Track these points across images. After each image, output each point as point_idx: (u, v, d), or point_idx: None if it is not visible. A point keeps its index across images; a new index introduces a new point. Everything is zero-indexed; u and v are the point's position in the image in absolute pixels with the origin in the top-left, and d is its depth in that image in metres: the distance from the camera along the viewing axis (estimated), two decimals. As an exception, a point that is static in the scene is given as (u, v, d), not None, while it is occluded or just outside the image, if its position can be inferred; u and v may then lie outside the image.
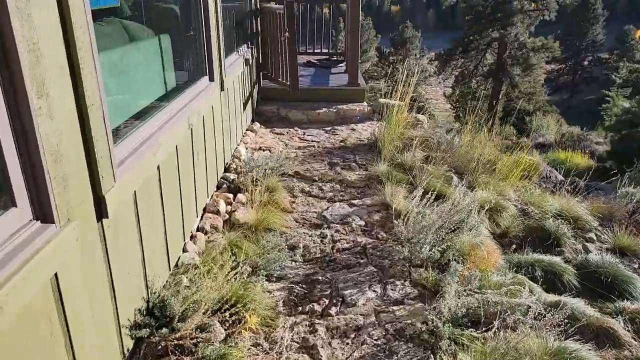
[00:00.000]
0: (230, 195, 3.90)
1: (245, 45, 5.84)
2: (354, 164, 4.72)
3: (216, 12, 3.91)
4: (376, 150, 5.07)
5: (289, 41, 5.30)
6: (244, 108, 5.44)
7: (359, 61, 6.55)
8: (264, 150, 5.19)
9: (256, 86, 6.49)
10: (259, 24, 6.32)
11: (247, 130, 5.72)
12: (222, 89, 4.12)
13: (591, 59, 58.51)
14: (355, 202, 3.90)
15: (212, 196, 3.85)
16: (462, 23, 24.11)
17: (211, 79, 3.81)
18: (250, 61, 5.72)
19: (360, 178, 4.38)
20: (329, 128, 6.03)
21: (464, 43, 23.56)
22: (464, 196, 3.54)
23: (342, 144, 5.41)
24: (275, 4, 6.63)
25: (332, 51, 9.02)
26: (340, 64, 8.54)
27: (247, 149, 5.20)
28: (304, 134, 5.83)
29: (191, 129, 3.12)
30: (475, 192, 4.02)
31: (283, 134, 5.79)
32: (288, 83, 5.62)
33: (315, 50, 9.15)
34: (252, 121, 6.08)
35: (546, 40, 22.78)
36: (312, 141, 5.52)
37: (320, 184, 4.26)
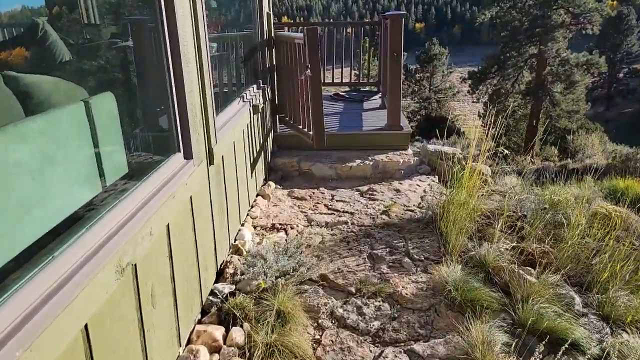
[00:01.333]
0: (219, 333, 2.46)
1: (256, 85, 4.46)
2: (406, 259, 3.21)
3: (198, 49, 2.53)
4: (435, 230, 3.56)
5: (313, 81, 3.90)
6: (252, 171, 4.05)
7: (400, 95, 5.11)
8: (278, 230, 3.76)
9: (271, 133, 5.10)
10: (273, 56, 4.96)
11: (257, 195, 4.31)
12: (210, 162, 2.73)
13: (627, 71, 55.68)
14: (418, 348, 2.38)
15: (191, 334, 2.42)
16: (497, 40, 22.43)
17: (188, 156, 2.41)
18: (262, 106, 4.35)
19: (420, 290, 2.86)
20: (365, 188, 4.57)
21: (500, 60, 21.86)
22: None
23: (384, 217, 3.92)
24: (291, 31, 5.27)
25: (363, 79, 7.61)
26: (374, 97, 7.11)
27: (254, 228, 3.77)
28: (333, 198, 4.37)
29: (133, 268, 1.71)
30: (621, 336, 2.44)
31: (305, 199, 4.36)
32: (311, 134, 4.21)
33: (343, 80, 7.75)
34: (265, 180, 4.67)
35: (591, 56, 20.88)
36: (343, 211, 4.05)
37: (359, 301, 2.78)
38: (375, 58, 9.53)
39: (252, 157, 4.01)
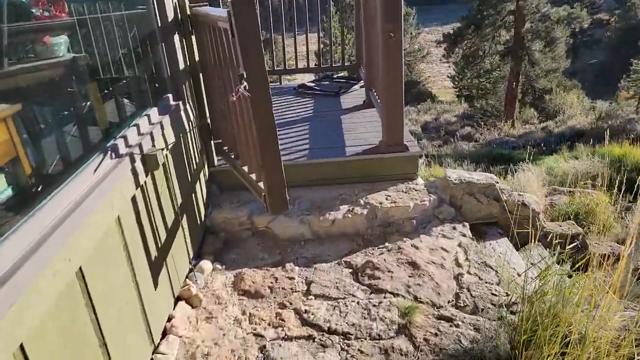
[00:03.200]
0: None
1: (156, 109, 2.50)
2: None
3: None
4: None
5: (258, 106, 1.99)
6: (156, 277, 2.14)
7: (402, 98, 3.20)
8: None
9: (203, 172, 3.17)
10: (193, 49, 2.97)
11: (178, 300, 2.43)
12: None
13: (590, 21, 54.52)
14: None
15: None
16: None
17: None
18: (181, 132, 2.42)
19: None
20: (360, 259, 2.74)
21: (477, 19, 19.93)
22: None
23: (405, 344, 2.12)
24: (213, 6, 3.25)
25: (335, 62, 5.64)
26: (353, 87, 5.18)
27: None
28: (308, 289, 2.54)
29: None
30: None
31: (262, 296, 2.51)
32: (263, 190, 2.33)
33: (308, 65, 5.75)
34: (194, 262, 2.77)
35: (572, 9, 19.15)
36: (328, 330, 2.24)
37: None
38: (351, 31, 7.51)
39: (152, 252, 2.10)
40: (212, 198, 3.26)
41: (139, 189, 1.98)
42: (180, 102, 2.72)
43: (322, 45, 5.77)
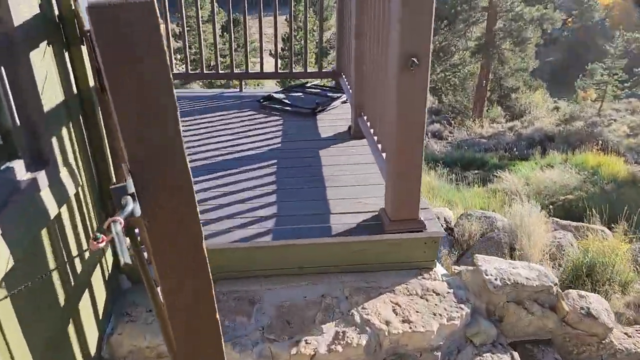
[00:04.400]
0: None
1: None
2: None
3: None
4: None
5: (154, 230, 0.80)
6: None
7: (421, 160, 2.08)
8: None
9: (104, 258, 1.92)
10: (86, 68, 1.71)
11: None
12: None
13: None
14: None
15: None
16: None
17: None
18: (42, 225, 1.19)
19: None
20: None
21: (451, 14, 19.02)
22: None
23: None
24: None
25: (307, 67, 4.37)
26: (335, 102, 4.00)
27: None
28: None
29: None
30: None
31: None
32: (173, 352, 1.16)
33: (276, 69, 4.49)
34: None
35: (545, 10, 18.55)
36: None
37: None
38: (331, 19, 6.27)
39: None
40: (118, 299, 2.02)
41: None
42: (45, 171, 1.46)
43: (292, 40, 4.49)
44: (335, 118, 3.71)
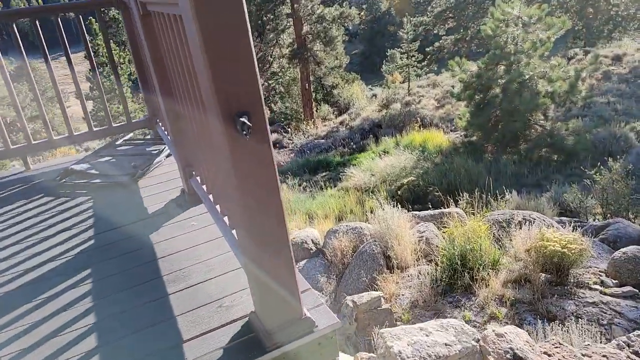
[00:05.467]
0: None
1: None
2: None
3: None
4: None
5: None
6: None
7: None
8: None
9: None
10: None
11: None
12: None
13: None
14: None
15: None
16: (249, 5, 19.42)
17: None
18: None
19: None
20: None
21: (259, 26, 19.05)
22: None
23: None
24: None
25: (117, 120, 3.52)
26: (158, 157, 3.21)
27: None
28: None
29: None
30: None
31: None
32: None
33: (71, 132, 3.52)
34: None
35: (343, 8, 19.80)
36: None
37: None
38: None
39: None
40: None
41: None
42: None
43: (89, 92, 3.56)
44: (162, 181, 2.95)
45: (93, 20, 20.92)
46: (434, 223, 5.18)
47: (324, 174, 12.89)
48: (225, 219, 1.93)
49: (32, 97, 19.53)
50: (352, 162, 13.10)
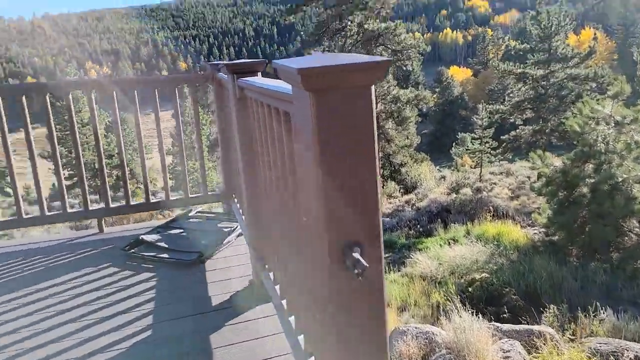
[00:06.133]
0: None
1: None
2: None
3: None
4: None
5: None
6: None
7: None
8: None
9: None
10: None
11: None
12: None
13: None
14: None
15: None
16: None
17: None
18: None
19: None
20: None
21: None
22: None
23: None
24: None
25: (194, 189, 3.47)
26: (229, 236, 3.03)
27: None
28: None
29: None
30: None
31: None
32: None
33: (148, 198, 3.47)
34: None
35: (418, 91, 20.06)
36: None
37: None
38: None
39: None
40: None
41: None
42: None
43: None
44: (230, 266, 2.73)
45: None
46: (519, 342, 4.50)
47: (387, 255, 12.33)
48: (300, 338, 1.63)
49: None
50: (418, 246, 12.45)
